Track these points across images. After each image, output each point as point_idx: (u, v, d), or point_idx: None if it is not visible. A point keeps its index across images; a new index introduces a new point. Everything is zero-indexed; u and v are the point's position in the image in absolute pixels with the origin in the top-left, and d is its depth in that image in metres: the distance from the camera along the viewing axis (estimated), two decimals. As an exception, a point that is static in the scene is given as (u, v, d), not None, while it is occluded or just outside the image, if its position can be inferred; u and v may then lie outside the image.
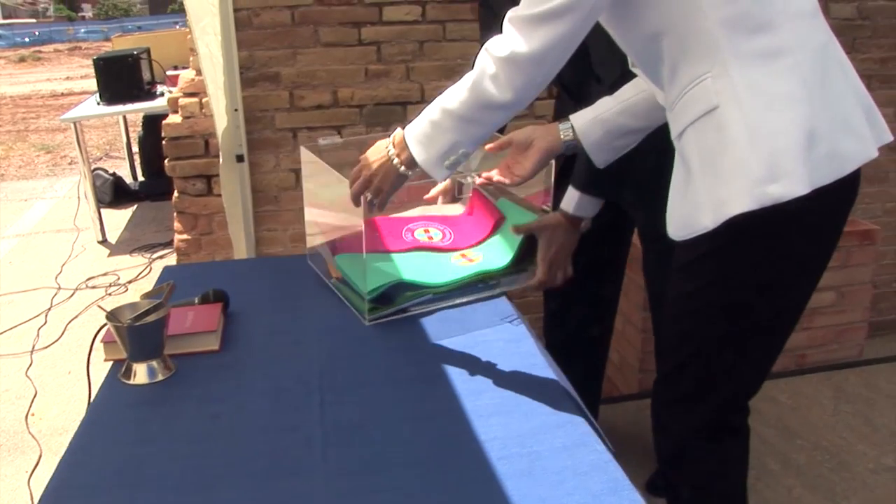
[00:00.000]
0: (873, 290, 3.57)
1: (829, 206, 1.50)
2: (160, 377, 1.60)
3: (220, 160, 2.91)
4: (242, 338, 1.77)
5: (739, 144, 1.43)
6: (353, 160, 1.74)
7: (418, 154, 1.60)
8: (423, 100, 3.17)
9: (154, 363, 1.60)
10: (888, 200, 3.92)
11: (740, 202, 1.43)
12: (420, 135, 1.60)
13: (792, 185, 1.40)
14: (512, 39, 1.45)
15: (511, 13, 1.46)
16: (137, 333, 1.57)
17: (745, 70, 1.43)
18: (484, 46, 1.50)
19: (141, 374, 1.59)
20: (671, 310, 1.71)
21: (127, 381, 1.59)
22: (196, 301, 1.86)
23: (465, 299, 1.93)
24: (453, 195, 2.14)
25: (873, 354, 3.62)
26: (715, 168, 1.47)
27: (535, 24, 1.43)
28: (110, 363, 1.67)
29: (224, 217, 3.01)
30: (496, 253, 2.03)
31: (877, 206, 3.90)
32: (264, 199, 3.12)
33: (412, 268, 1.92)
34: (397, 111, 3.16)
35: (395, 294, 1.86)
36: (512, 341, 1.74)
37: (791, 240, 1.51)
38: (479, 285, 1.96)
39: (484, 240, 2.08)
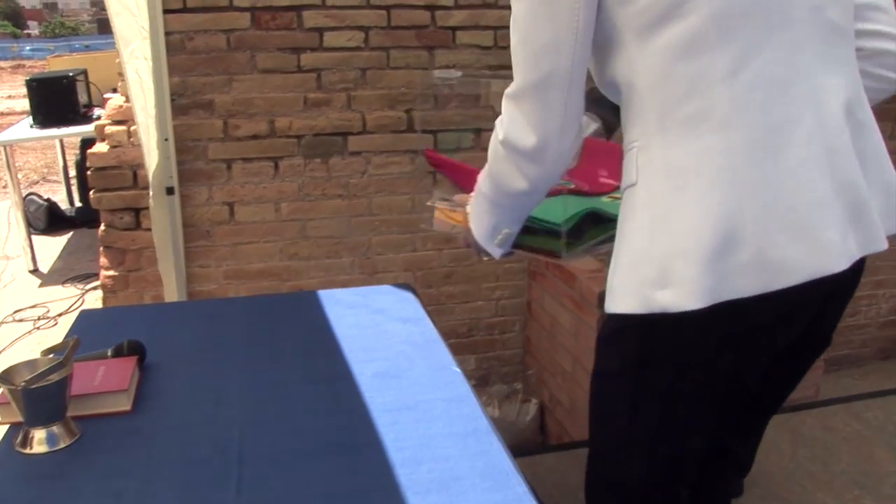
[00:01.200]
0: (828, 328, 3.49)
1: (749, 322, 1.25)
2: (62, 444, 1.43)
3: (150, 192, 2.75)
4: (158, 396, 1.61)
5: (640, 235, 1.26)
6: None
7: (474, 231, 1.56)
8: (365, 130, 3.04)
9: (55, 428, 1.43)
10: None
11: (626, 301, 1.28)
12: (473, 212, 1.56)
13: (683, 295, 1.19)
14: (504, 122, 1.35)
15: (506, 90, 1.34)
16: (34, 397, 1.40)
17: (668, 145, 1.23)
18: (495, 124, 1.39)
19: (39, 441, 1.42)
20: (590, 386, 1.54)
21: (23, 451, 1.41)
22: (109, 353, 1.69)
23: None
24: None
25: (829, 392, 3.55)
26: (620, 252, 1.31)
27: (519, 104, 1.31)
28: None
29: (154, 252, 2.85)
30: None
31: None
32: (196, 233, 2.95)
33: (585, 203, 1.71)
34: (338, 142, 3.02)
35: (584, 229, 1.68)
36: (454, 401, 1.60)
37: (688, 353, 1.30)
38: None
39: None
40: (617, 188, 1.76)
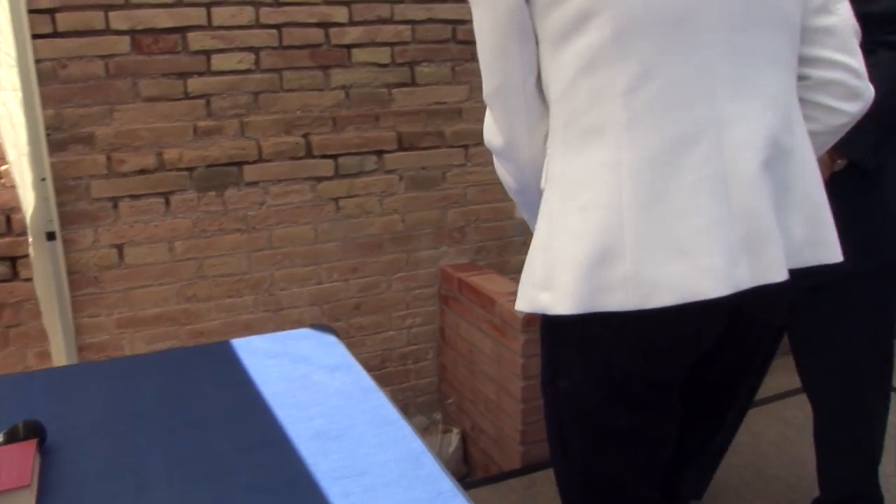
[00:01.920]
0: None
1: (632, 338, 1.28)
2: (-46, 561, 1.20)
3: (29, 239, 2.50)
4: (67, 486, 1.38)
5: (538, 238, 1.33)
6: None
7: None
8: (261, 158, 2.84)
9: (-56, 542, 1.21)
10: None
11: (521, 300, 1.35)
12: None
13: (558, 300, 1.25)
14: (484, 124, 1.42)
15: None
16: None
17: (567, 156, 1.27)
18: None
19: (-74, 559, 1.19)
20: None
21: None
22: (0, 439, 1.46)
23: None
24: None
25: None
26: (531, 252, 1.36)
27: (490, 107, 1.38)
28: None
29: (35, 304, 2.59)
30: None
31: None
32: (82, 280, 2.69)
33: None
34: (232, 172, 2.81)
35: None
36: (408, 461, 1.43)
37: (572, 352, 1.36)
38: None
39: None
40: None
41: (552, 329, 1.37)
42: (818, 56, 1.37)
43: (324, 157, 2.95)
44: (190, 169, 2.76)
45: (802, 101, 1.38)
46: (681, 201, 1.19)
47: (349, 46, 2.92)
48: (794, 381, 3.68)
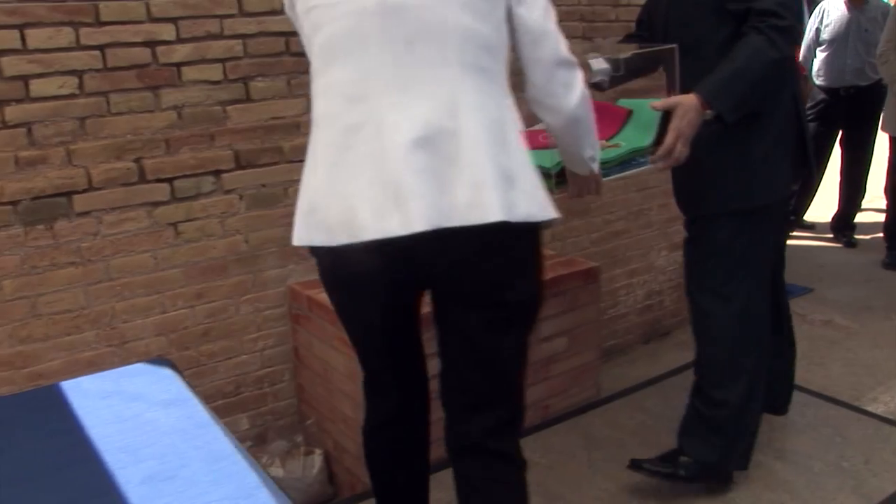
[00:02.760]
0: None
1: (342, 267, 1.83)
2: None
3: None
4: None
5: None
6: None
7: None
8: (92, 186, 2.69)
9: None
10: (593, 231, 3.95)
11: None
12: None
13: (296, 237, 1.81)
14: None
15: None
16: None
17: (310, 136, 1.83)
18: None
19: None
20: None
21: None
22: None
23: (627, 173, 2.32)
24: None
25: (607, 385, 3.62)
26: None
27: None
28: None
29: None
30: (636, 136, 2.34)
31: (584, 238, 3.92)
32: None
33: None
34: (61, 203, 2.66)
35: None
36: (244, 498, 1.38)
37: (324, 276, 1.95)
38: (633, 162, 2.31)
39: (617, 131, 2.39)
40: (612, 136, 2.38)
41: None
42: (529, 79, 1.82)
43: (158, 181, 2.83)
44: (13, 203, 2.59)
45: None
46: (349, 171, 1.69)
47: (179, 65, 2.81)
48: (653, 371, 3.82)
